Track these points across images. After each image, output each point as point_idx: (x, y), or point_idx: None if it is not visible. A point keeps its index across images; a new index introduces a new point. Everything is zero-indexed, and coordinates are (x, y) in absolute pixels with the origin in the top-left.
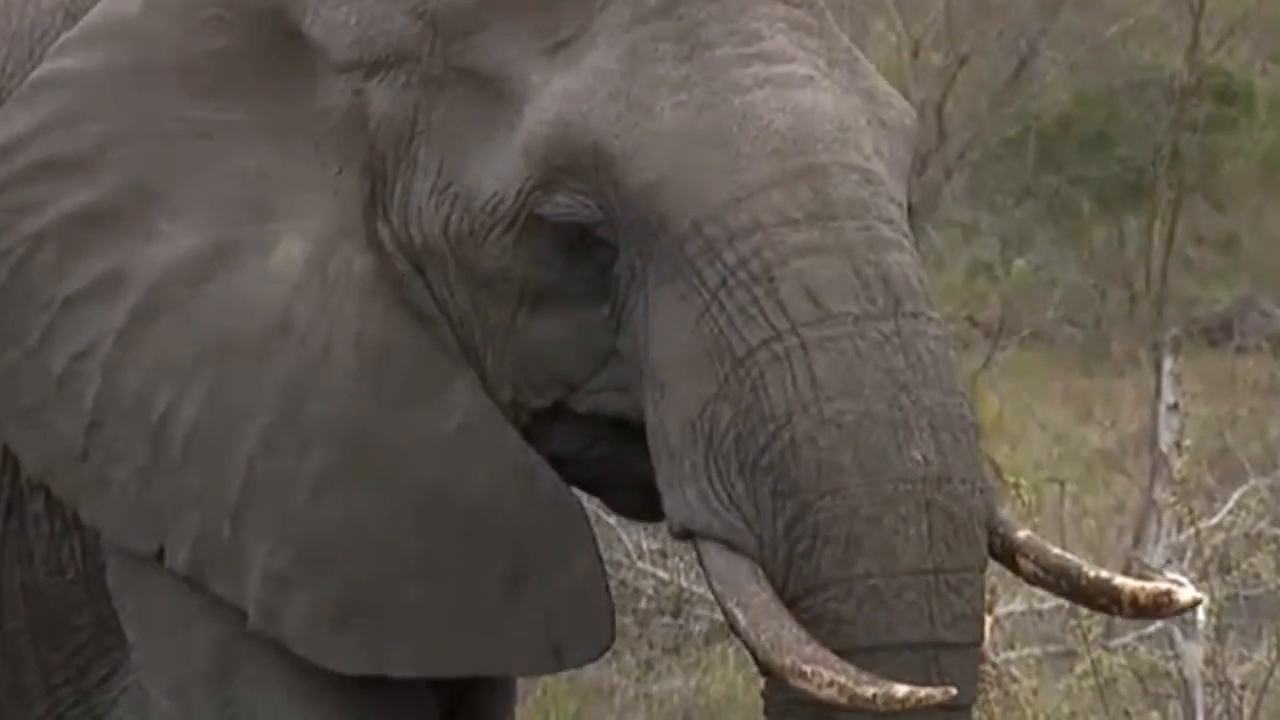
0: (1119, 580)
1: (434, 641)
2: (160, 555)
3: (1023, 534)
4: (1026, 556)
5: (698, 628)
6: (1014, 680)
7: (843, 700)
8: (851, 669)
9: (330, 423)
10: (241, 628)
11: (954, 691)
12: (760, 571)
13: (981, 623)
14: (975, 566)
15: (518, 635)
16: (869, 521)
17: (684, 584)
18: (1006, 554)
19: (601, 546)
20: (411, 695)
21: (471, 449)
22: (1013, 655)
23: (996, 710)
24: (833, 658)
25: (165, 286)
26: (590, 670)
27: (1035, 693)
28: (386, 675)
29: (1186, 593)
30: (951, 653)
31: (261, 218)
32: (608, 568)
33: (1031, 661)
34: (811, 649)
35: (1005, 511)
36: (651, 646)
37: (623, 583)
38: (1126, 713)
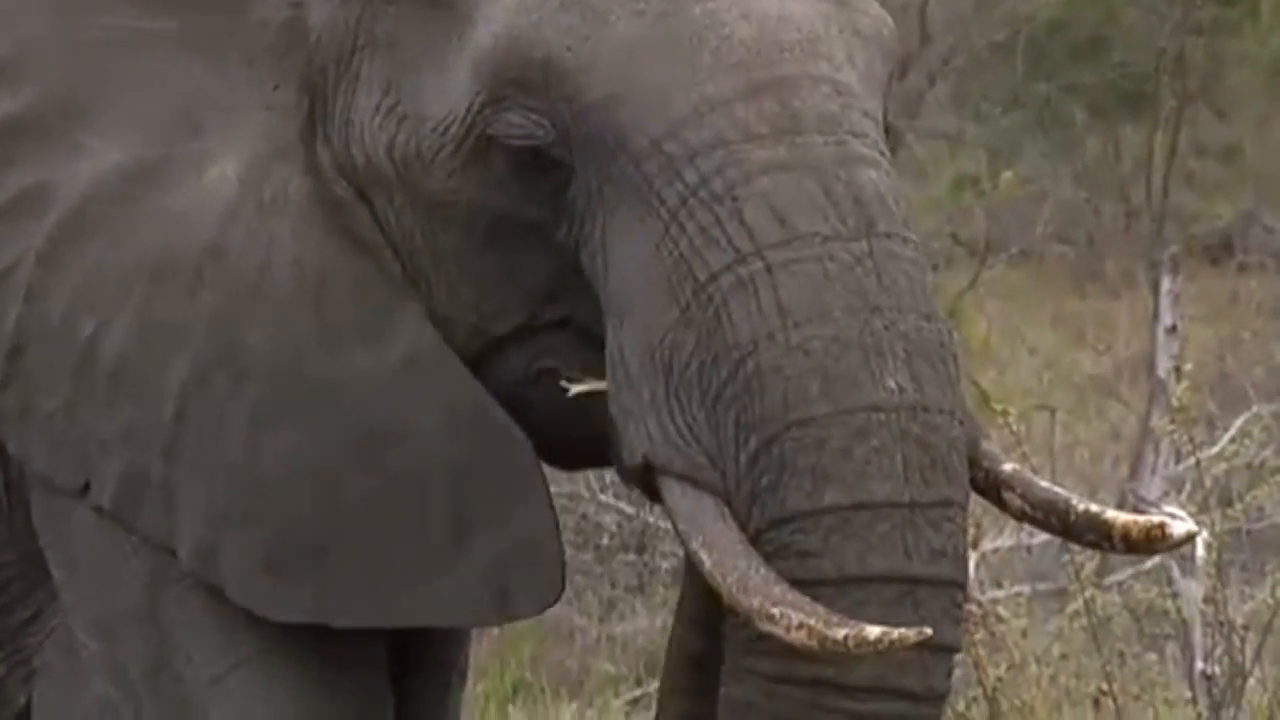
0: (1110, 514)
1: (377, 590)
2: (86, 490)
3: (1008, 467)
4: (1012, 491)
5: (663, 565)
6: (1001, 620)
7: (812, 643)
8: (821, 610)
9: (266, 355)
10: (171, 564)
11: (928, 631)
12: (726, 509)
13: (963, 561)
14: (954, 502)
15: (465, 584)
16: (839, 454)
17: (648, 519)
18: (991, 488)
19: (561, 478)
20: (357, 636)
21: (416, 384)
22: (1000, 594)
23: (983, 652)
24: (803, 599)
25: (90, 205)
26: (549, 611)
27: (1024, 633)
28: (324, 623)
29: (1181, 526)
30: (928, 589)
31: (193, 135)
32: (567, 501)
33: (1020, 600)
34: (780, 590)
35: (990, 443)
36: (614, 585)
37: (584, 517)
38: (1121, 654)
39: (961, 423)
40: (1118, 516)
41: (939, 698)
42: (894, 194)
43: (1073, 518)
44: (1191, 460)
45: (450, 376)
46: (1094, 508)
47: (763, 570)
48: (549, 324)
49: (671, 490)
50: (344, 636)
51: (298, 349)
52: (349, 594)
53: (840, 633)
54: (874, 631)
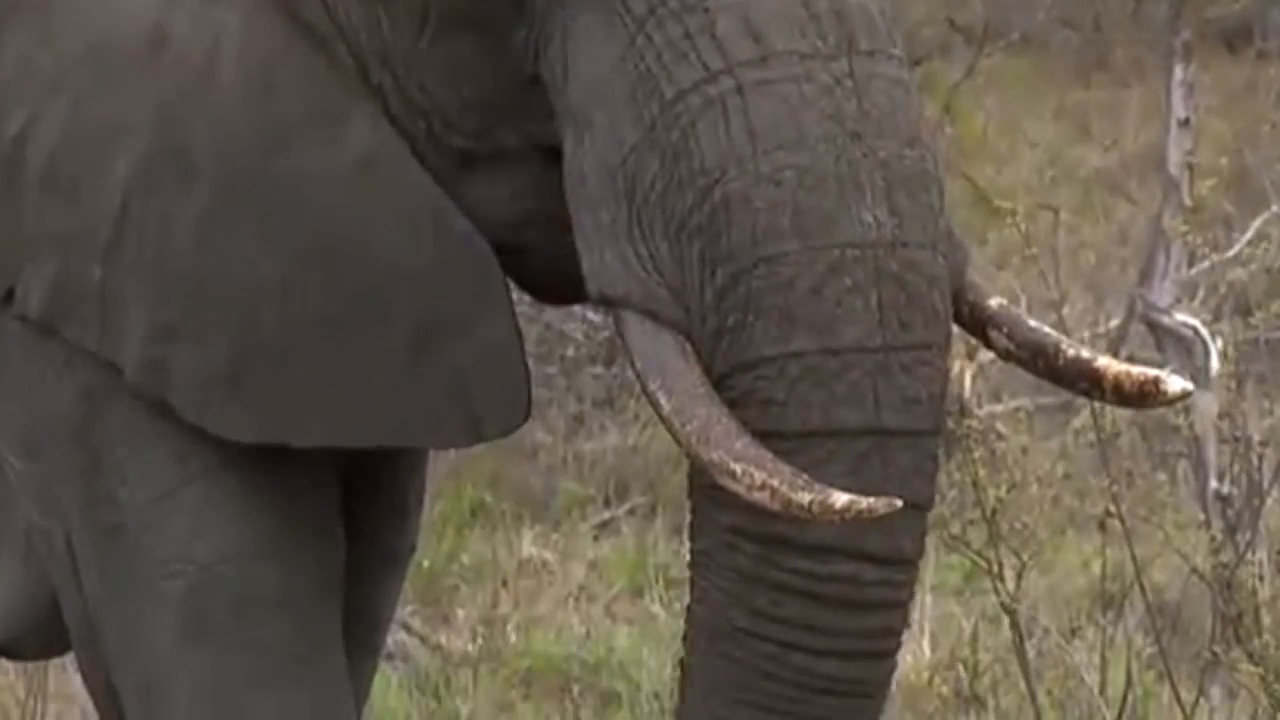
0: (1102, 362)
1: (336, 407)
2: (9, 298)
3: (994, 303)
4: (998, 329)
5: (633, 378)
6: (1000, 437)
7: (774, 505)
8: (786, 471)
9: (214, 154)
10: (107, 378)
11: (899, 502)
12: (688, 348)
13: (939, 409)
14: (933, 344)
15: (427, 400)
16: (809, 293)
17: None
18: (976, 325)
19: None
20: (308, 457)
21: (371, 187)
22: (999, 409)
23: (981, 472)
24: (766, 456)
25: None
26: None
27: (1025, 451)
28: (282, 443)
29: (1177, 383)
30: (899, 442)
31: None
32: (530, 310)
33: (1021, 416)
34: (743, 444)
35: (976, 276)
36: (580, 400)
37: (548, 327)
38: (1129, 473)
39: (944, 257)
40: (1110, 365)
41: (907, 562)
42: (879, 5)
43: (1061, 363)
44: (1206, 264)
45: (407, 181)
46: (1085, 354)
47: (725, 420)
48: (516, 149)
49: (630, 325)
50: (294, 458)
51: (247, 148)
52: (307, 412)
53: (805, 497)
54: (840, 499)
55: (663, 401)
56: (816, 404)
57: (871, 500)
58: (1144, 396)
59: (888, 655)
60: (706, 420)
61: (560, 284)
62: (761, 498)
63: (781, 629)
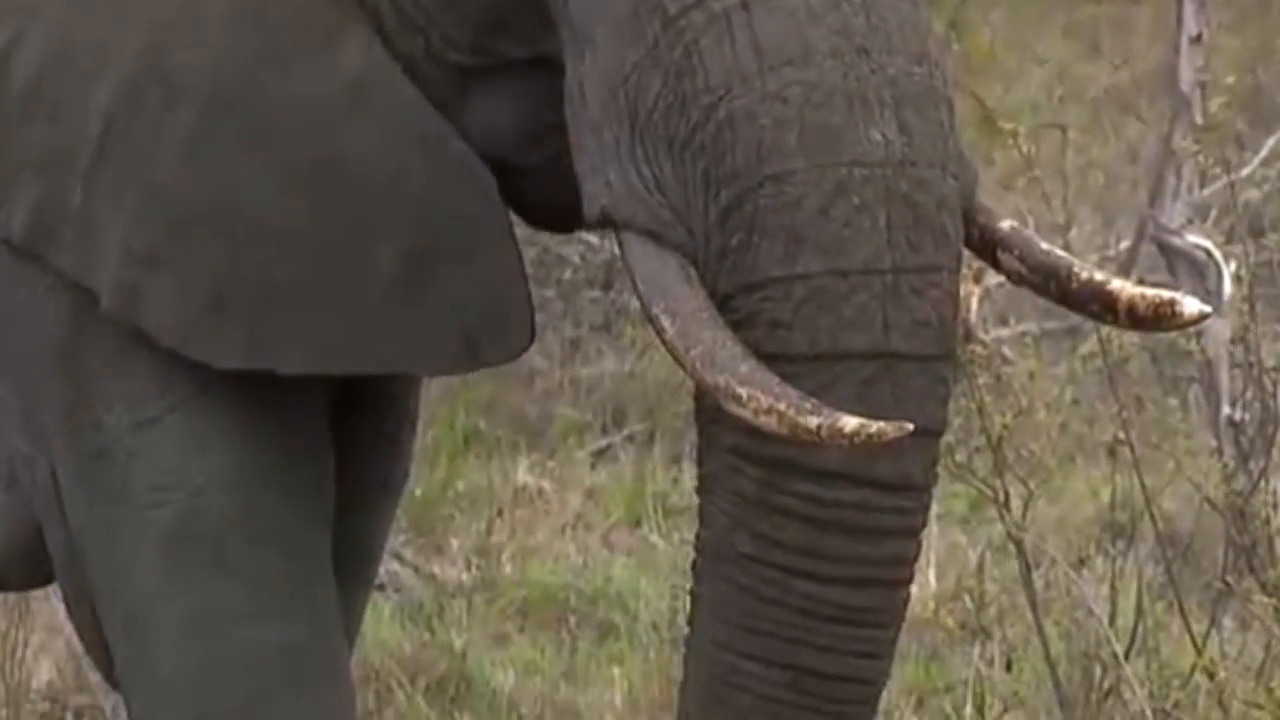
0: (1115, 285)
1: (326, 332)
2: None
3: (1006, 224)
4: (1009, 251)
5: (632, 302)
6: (1007, 362)
7: (781, 430)
8: (793, 394)
9: (203, 75)
10: (91, 303)
11: (909, 426)
12: (692, 271)
13: (950, 332)
14: (943, 266)
15: (422, 326)
16: (816, 213)
17: (617, 251)
18: (986, 247)
19: None
20: (298, 384)
21: (365, 110)
22: (1005, 333)
23: (987, 398)
24: (773, 380)
25: None
26: None
27: (1032, 376)
28: (269, 370)
29: (1192, 304)
30: (909, 366)
31: None
32: (527, 232)
33: (1028, 341)
34: (748, 368)
35: (986, 198)
36: (578, 324)
37: (545, 250)
38: (1139, 399)
39: (955, 177)
40: (1123, 288)
41: (917, 488)
42: None
43: (1074, 285)
44: (1219, 184)
45: (402, 103)
46: (1098, 276)
47: (730, 344)
48: (516, 63)
49: (632, 247)
50: (283, 383)
51: (237, 69)
52: (294, 339)
53: (813, 421)
54: (850, 423)
55: (666, 325)
56: (824, 327)
57: (881, 424)
58: (1158, 319)
59: (900, 584)
60: (711, 344)
61: (559, 209)
62: (768, 422)
63: (784, 554)
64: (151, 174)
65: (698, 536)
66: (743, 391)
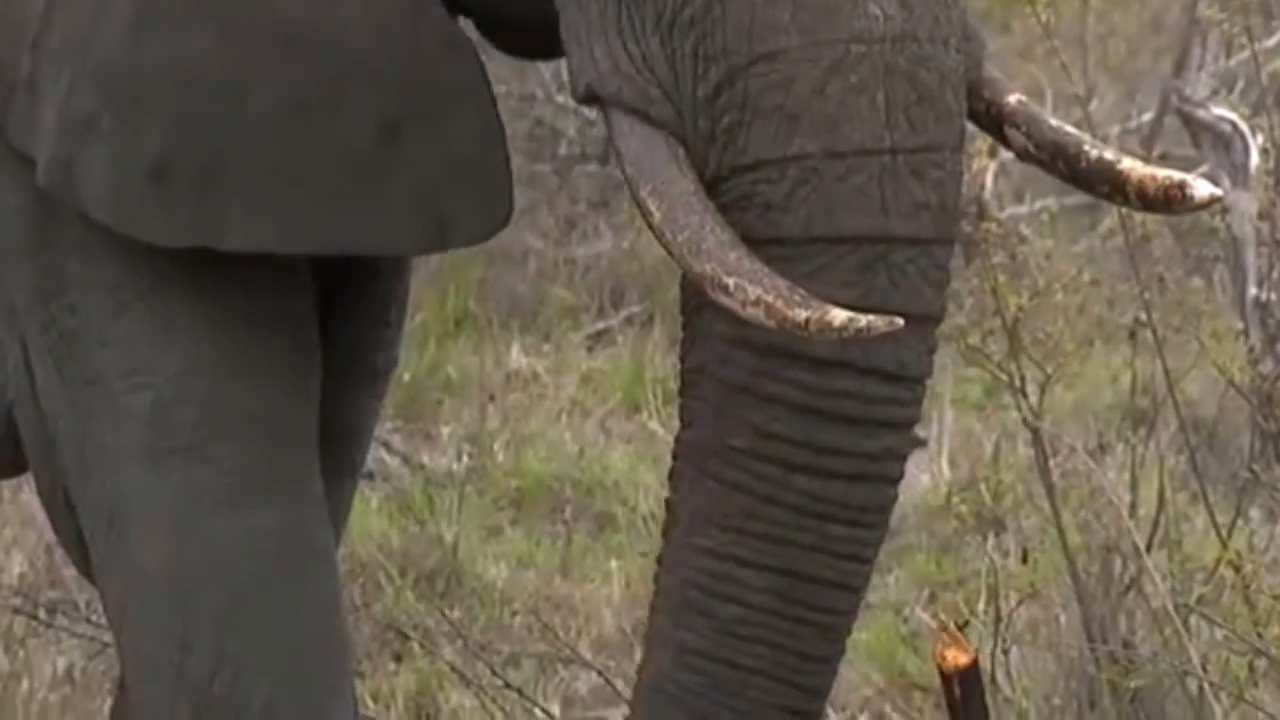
0: (1126, 164)
1: (284, 209)
2: None
3: (1014, 99)
4: (1017, 127)
5: None
6: (1023, 240)
7: (769, 322)
8: (783, 285)
9: None
10: None
11: (899, 321)
12: (681, 152)
13: (952, 214)
14: (944, 145)
15: (392, 202)
16: (811, 92)
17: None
18: (993, 123)
19: (512, 78)
20: (278, 270)
21: None
22: (1022, 210)
23: (1001, 278)
24: (762, 270)
25: None
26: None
27: (1049, 255)
28: (216, 249)
29: (1204, 188)
30: (907, 250)
31: None
32: (518, 104)
33: (1045, 218)
34: (737, 255)
35: (994, 70)
36: (574, 201)
37: (538, 122)
38: (1161, 278)
39: (958, 51)
40: (1134, 168)
41: (913, 379)
42: None
43: (1083, 164)
44: (1244, 54)
45: None
46: (1108, 155)
47: (718, 230)
48: None
49: (620, 126)
50: (265, 264)
51: None
52: (248, 214)
53: (801, 314)
54: (839, 316)
55: (653, 208)
56: (819, 209)
57: (872, 318)
58: (1169, 201)
59: (894, 482)
60: (699, 230)
61: (540, 48)
62: (755, 314)
63: (780, 447)
64: (96, 38)
65: (677, 440)
66: (730, 281)
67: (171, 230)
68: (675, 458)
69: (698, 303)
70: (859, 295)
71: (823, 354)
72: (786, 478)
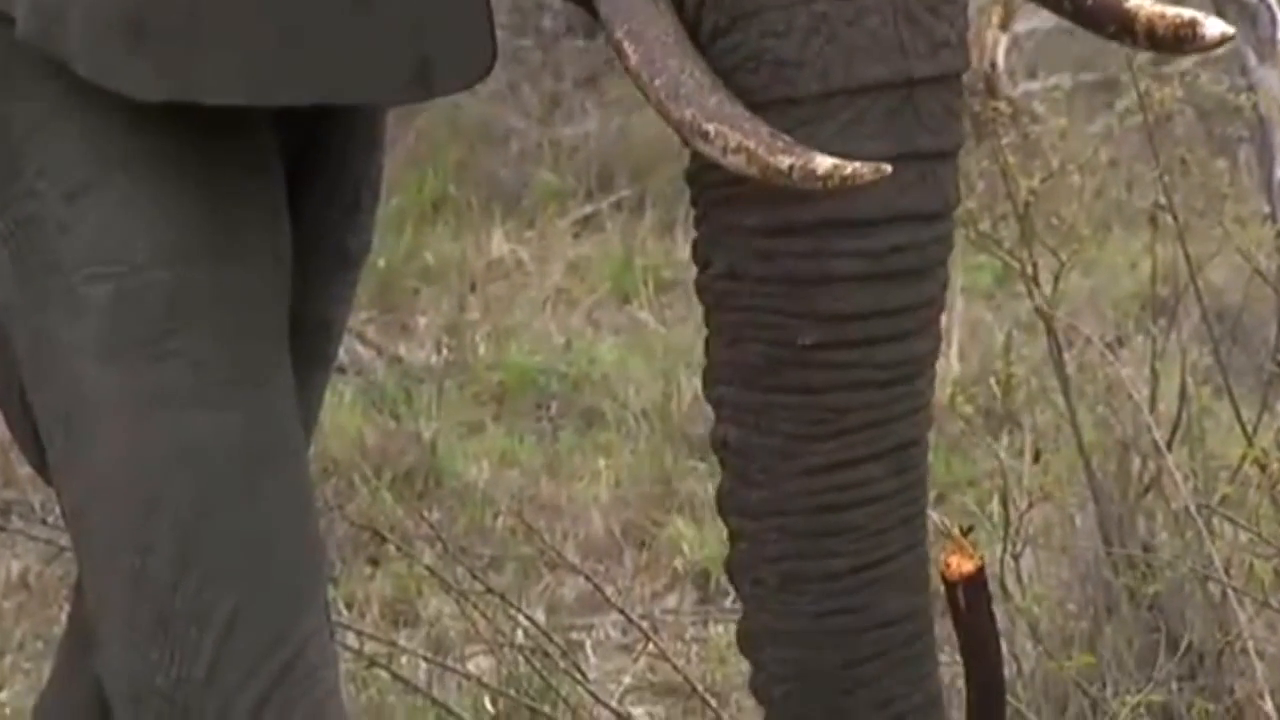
0: (1133, 2)
1: (263, 56)
2: None
3: None
4: None
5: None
6: (1036, 119)
7: (752, 170)
8: (764, 132)
9: None
10: (20, 59)
11: (887, 168)
12: None
13: (966, 47)
14: None
15: (372, 46)
16: None
17: None
18: None
19: None
20: (243, 143)
21: None
22: (1035, 86)
23: (1013, 159)
24: (743, 114)
25: None
26: (478, 109)
27: (1063, 134)
28: (196, 102)
29: (1215, 25)
30: (930, 89)
31: None
32: None
33: (1059, 95)
34: (717, 100)
35: None
36: (559, 77)
37: None
38: (1183, 160)
39: None
40: (1141, 5)
41: (951, 212)
42: None
43: (1088, 1)
44: None
45: None
46: None
47: (698, 73)
48: None
49: None
50: (231, 143)
51: None
52: (227, 64)
53: (784, 161)
54: (823, 163)
55: (629, 50)
56: (836, 59)
57: (858, 165)
58: (1179, 41)
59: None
60: (677, 73)
61: None
62: (737, 161)
63: (858, 326)
64: None
65: (715, 372)
66: (710, 127)
67: (150, 84)
68: (719, 391)
69: (720, 195)
70: (890, 145)
71: (871, 213)
72: (870, 354)
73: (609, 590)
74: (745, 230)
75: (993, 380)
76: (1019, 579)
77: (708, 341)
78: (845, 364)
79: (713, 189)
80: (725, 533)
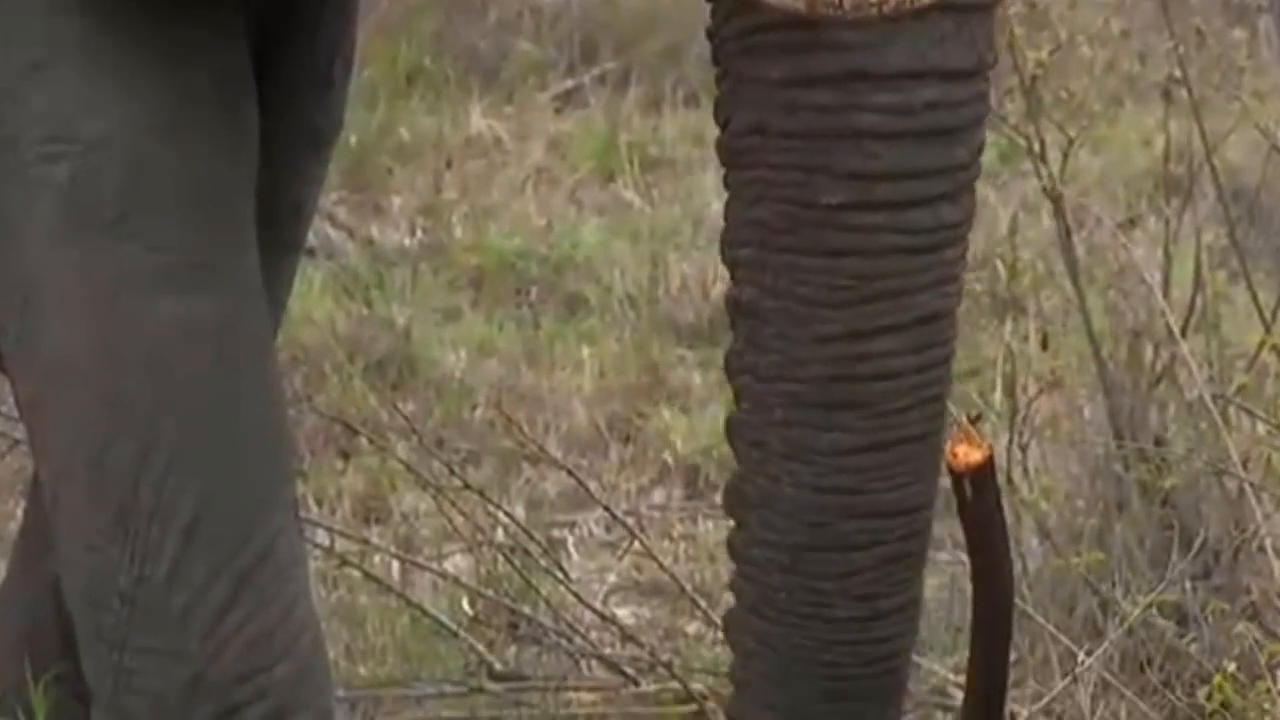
0: None
1: None
2: None
3: None
4: None
5: None
6: None
7: (799, 5)
8: None
9: None
10: None
11: None
12: None
13: None
14: None
15: None
16: None
17: None
18: None
19: None
20: (204, 15)
21: None
22: None
23: (1019, 30)
24: None
25: None
26: None
27: (1072, 4)
28: None
29: None
30: None
31: None
32: None
33: None
34: None
35: None
36: None
37: None
38: (1199, 31)
39: None
40: None
41: (986, 70)
42: None
43: None
44: None
45: None
46: None
47: None
48: None
49: None
50: (192, 15)
51: None
52: None
53: None
54: None
55: None
56: None
57: None
58: None
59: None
60: None
61: None
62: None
63: (888, 186)
64: None
65: (736, 232)
66: None
67: None
68: (737, 252)
69: (744, 45)
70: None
71: (901, 67)
72: (897, 218)
73: (593, 485)
74: (769, 83)
75: (998, 263)
76: (1026, 471)
77: (727, 204)
78: (870, 227)
79: (735, 40)
80: (716, 425)
